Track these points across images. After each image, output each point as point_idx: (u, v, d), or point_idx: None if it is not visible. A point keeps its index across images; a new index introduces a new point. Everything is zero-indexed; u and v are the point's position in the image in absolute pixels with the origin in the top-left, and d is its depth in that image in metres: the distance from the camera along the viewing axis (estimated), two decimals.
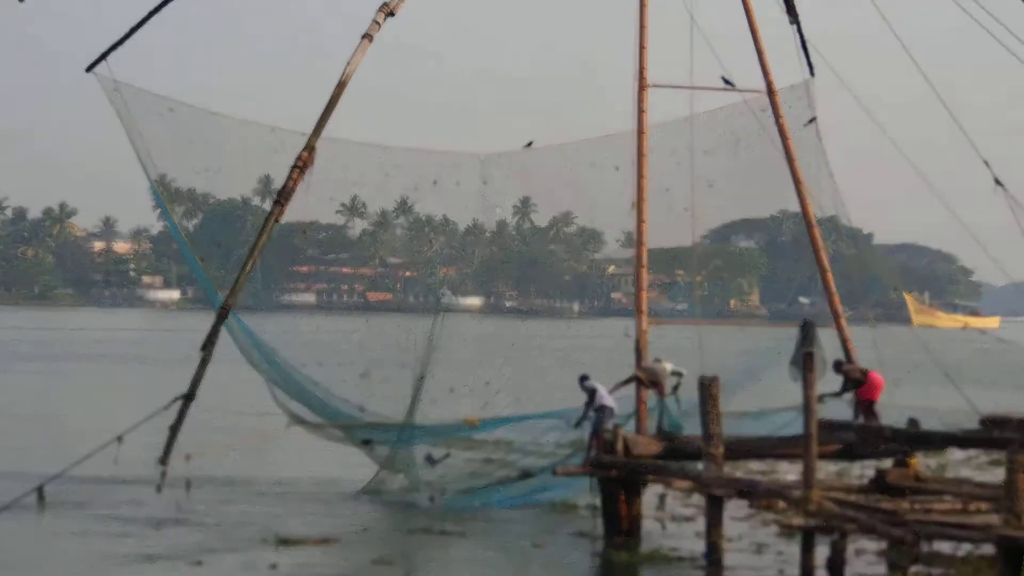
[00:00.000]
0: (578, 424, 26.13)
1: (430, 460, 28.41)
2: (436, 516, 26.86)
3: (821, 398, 26.12)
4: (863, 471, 26.76)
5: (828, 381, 25.93)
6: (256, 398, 44.64)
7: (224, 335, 26.48)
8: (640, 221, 27.61)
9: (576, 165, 29.14)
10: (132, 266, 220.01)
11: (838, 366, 26.44)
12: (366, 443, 29.91)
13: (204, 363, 25.89)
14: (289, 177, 26.27)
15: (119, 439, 25.59)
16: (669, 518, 27.16)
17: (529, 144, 28.78)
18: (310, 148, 26.31)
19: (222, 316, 26.05)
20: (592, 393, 26.08)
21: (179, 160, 27.83)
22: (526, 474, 27.65)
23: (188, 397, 25.92)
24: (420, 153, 28.94)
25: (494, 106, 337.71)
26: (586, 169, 29.00)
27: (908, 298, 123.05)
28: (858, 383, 26.45)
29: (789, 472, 31.18)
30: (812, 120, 28.76)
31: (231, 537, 24.60)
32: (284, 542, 23.94)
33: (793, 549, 23.72)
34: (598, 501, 25.77)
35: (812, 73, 28.99)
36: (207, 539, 24.36)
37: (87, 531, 25.08)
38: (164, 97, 27.18)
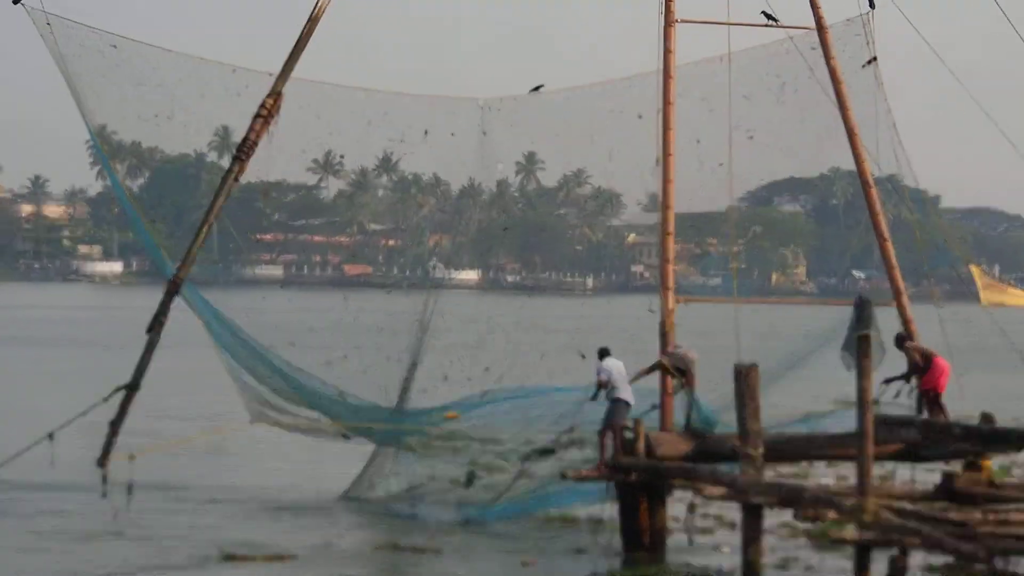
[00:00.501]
0: (594, 397, 26.07)
1: (470, 478, 28.51)
2: (412, 529, 27.02)
3: (888, 381, 26.14)
4: (913, 476, 26.80)
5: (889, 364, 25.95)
6: (212, 388, 44.66)
7: (176, 312, 26.46)
8: (666, 180, 27.56)
9: (592, 113, 29.06)
10: (66, 234, 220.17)
11: (900, 341, 26.37)
12: (345, 438, 30.18)
13: (150, 348, 25.88)
14: (251, 128, 26.23)
15: (50, 436, 25.63)
16: (698, 530, 27.21)
17: (537, 88, 28.70)
18: (275, 95, 26.28)
19: (171, 292, 26.04)
20: (605, 380, 25.94)
21: (124, 106, 27.77)
22: (545, 451, 27.63)
23: (131, 387, 25.92)
24: (409, 98, 28.87)
25: (495, 45, 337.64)
26: (604, 117, 28.92)
27: (975, 271, 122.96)
28: (921, 369, 26.40)
29: (825, 475, 31.27)
30: (872, 60, 28.60)
31: (169, 552, 24.71)
32: (229, 558, 24.10)
33: (829, 564, 23.82)
34: (612, 511, 25.75)
35: (872, 5, 28.85)
36: (140, 554, 24.46)
37: (1, 545, 25.14)
38: (106, 32, 27.13)
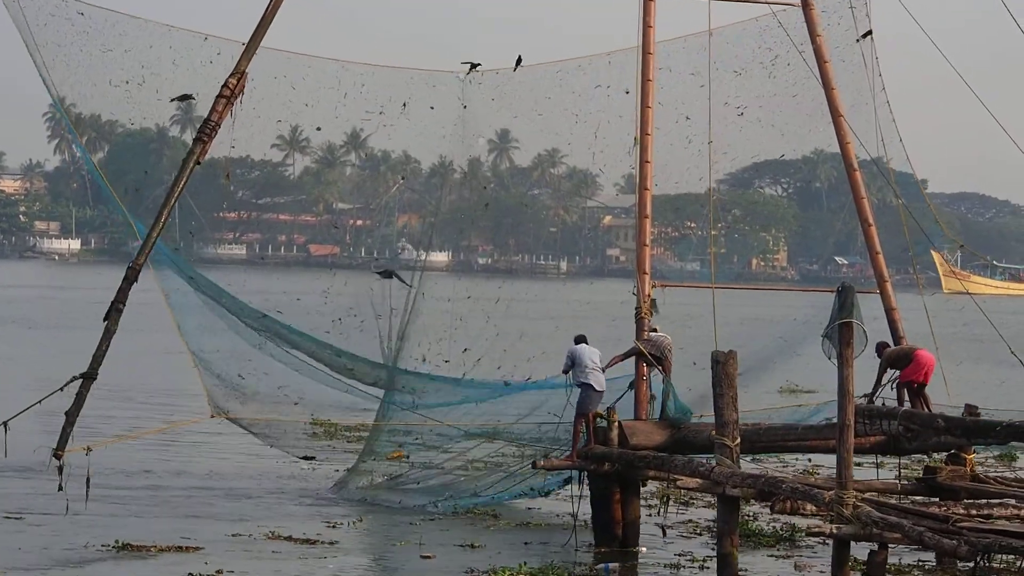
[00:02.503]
0: (566, 371, 26.19)
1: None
2: (327, 517, 27.23)
3: (871, 400, 26.25)
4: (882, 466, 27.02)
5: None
6: (173, 376, 44.58)
7: (135, 295, 26.33)
8: (644, 161, 27.55)
9: (578, 88, 29.04)
10: (22, 209, 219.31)
11: (880, 349, 26.41)
12: (308, 459, 31.34)
13: (108, 335, 25.74)
14: (213, 109, 26.12)
15: (5, 426, 25.53)
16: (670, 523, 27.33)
17: (519, 62, 28.71)
18: (239, 74, 26.15)
19: (129, 279, 25.93)
20: (568, 365, 26.01)
21: (92, 74, 27.73)
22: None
23: (88, 376, 25.80)
24: (387, 70, 28.86)
25: (475, 18, 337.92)
26: (590, 93, 28.92)
27: (936, 258, 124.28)
28: (899, 364, 26.48)
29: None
30: (868, 34, 28.65)
31: (66, 542, 24.57)
32: (124, 548, 24.13)
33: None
34: (574, 503, 25.84)
35: None
36: (34, 545, 24.32)
37: None
38: None
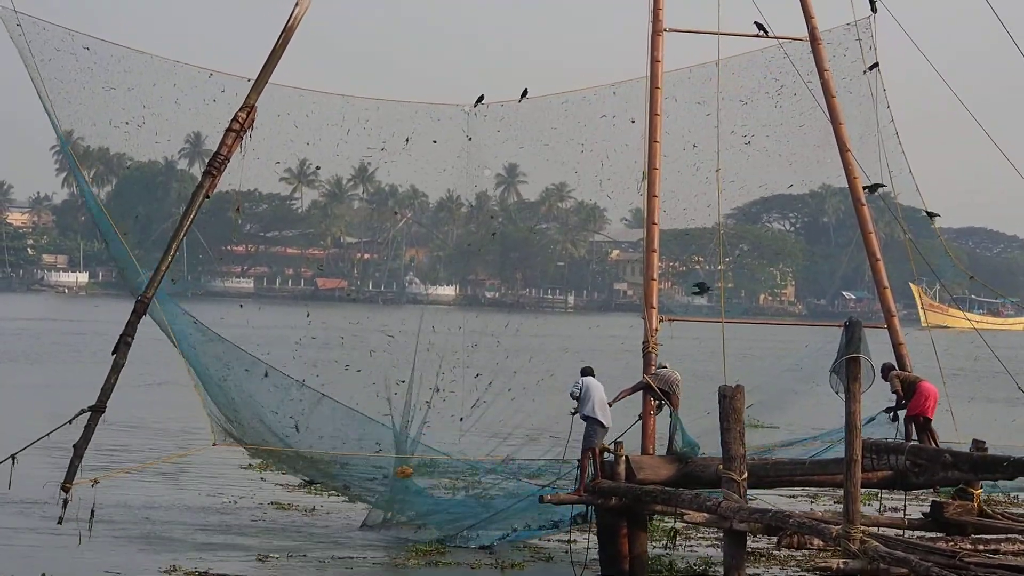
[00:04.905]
0: (575, 413, 26.24)
1: None
2: (264, 552, 27.24)
3: (889, 410, 26.43)
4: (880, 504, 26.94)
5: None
6: (179, 408, 44.50)
7: (143, 328, 26.36)
8: (651, 195, 27.60)
9: (583, 118, 29.10)
10: (30, 242, 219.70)
11: (885, 371, 26.58)
12: (309, 483, 31.61)
13: (116, 368, 25.76)
14: (222, 143, 26.18)
15: (13, 459, 25.53)
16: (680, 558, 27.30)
17: (524, 94, 28.78)
18: (248, 108, 26.22)
19: (138, 313, 25.96)
20: (575, 395, 26.07)
21: (96, 111, 27.79)
22: None
23: (96, 409, 25.82)
24: (391, 104, 28.92)
25: (482, 56, 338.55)
26: (596, 123, 28.97)
27: (916, 291, 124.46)
28: (904, 398, 26.58)
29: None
30: (874, 66, 28.80)
31: None
32: None
33: None
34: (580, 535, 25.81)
35: (874, 9, 29.01)
36: None
37: None
38: (80, 33, 27.15)
